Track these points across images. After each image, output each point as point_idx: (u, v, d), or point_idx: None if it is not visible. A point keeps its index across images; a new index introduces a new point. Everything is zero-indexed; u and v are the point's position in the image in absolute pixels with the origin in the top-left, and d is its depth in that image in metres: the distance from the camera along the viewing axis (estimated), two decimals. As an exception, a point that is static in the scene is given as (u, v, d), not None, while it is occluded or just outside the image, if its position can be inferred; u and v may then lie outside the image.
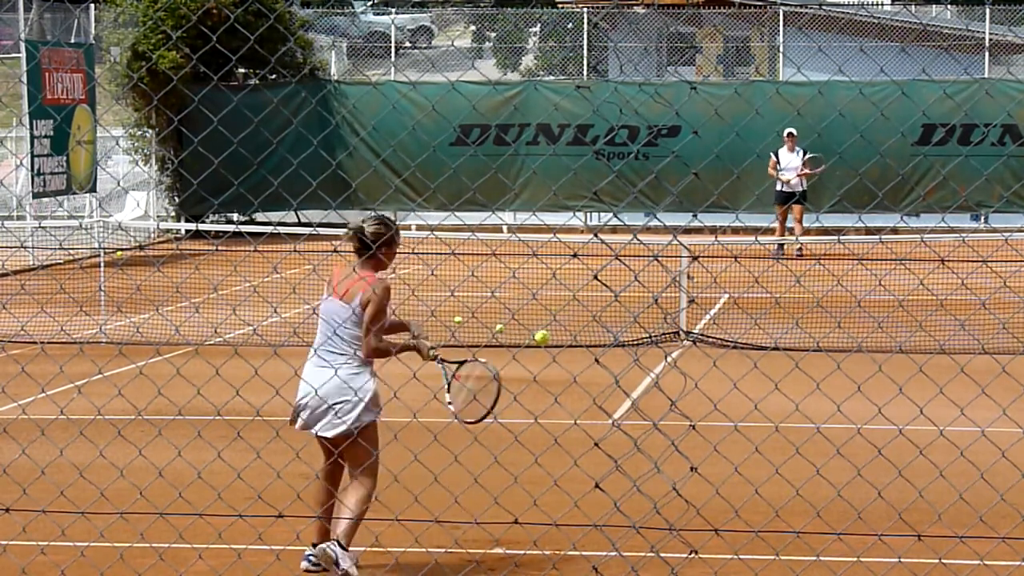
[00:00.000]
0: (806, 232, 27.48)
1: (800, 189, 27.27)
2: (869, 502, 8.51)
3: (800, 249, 25.02)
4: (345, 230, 8.34)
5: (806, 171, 27.12)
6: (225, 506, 8.17)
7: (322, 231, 14.94)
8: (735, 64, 37.51)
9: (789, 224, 27.73)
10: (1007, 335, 14.67)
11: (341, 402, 8.17)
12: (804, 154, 27.20)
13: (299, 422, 8.31)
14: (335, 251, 8.43)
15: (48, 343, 10.73)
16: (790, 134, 27.14)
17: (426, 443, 8.60)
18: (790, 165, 27.25)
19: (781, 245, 25.21)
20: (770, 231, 30.51)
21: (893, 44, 32.60)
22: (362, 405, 8.15)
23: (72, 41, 29.48)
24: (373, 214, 8.47)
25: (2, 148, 25.41)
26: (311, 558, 8.29)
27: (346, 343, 8.22)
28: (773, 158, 27.26)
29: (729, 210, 28.98)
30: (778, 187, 27.41)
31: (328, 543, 8.18)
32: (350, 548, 8.14)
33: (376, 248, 8.21)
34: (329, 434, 8.22)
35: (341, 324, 8.21)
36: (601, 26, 36.84)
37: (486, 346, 13.52)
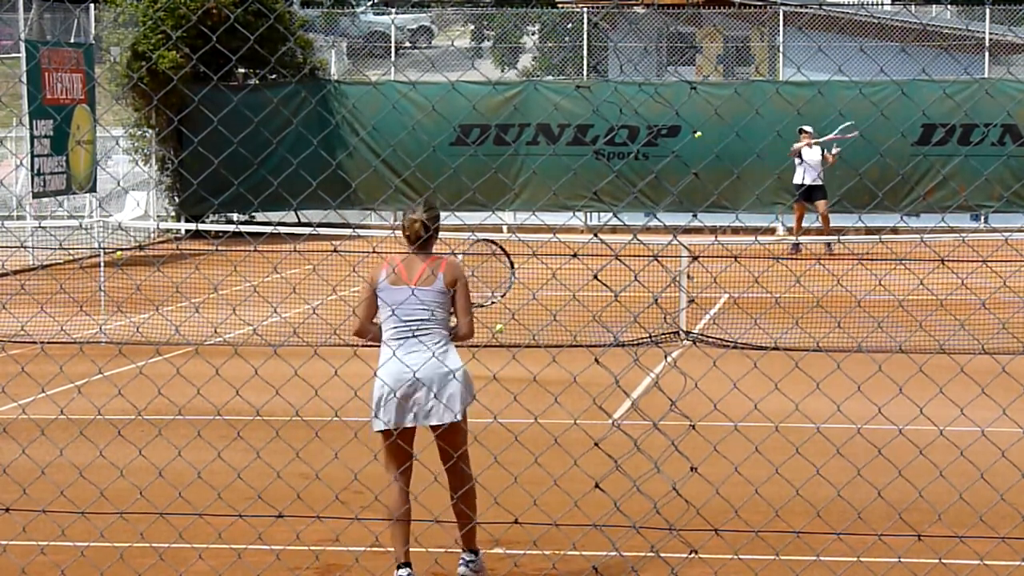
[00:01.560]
0: (806, 232, 27.47)
1: (820, 183, 27.18)
2: (869, 502, 8.51)
3: (831, 246, 24.87)
4: (406, 219, 8.16)
5: (831, 159, 26.98)
6: (225, 506, 8.18)
7: (322, 231, 14.96)
8: (735, 64, 37.51)
9: (805, 224, 27.63)
10: (1007, 335, 14.67)
11: (452, 386, 7.97)
12: (823, 149, 27.11)
13: (402, 418, 7.97)
14: (335, 251, 8.43)
15: (48, 343, 10.73)
16: (803, 131, 27.06)
17: (426, 443, 8.60)
18: (811, 160, 27.14)
19: (797, 245, 25.13)
20: (770, 231, 30.52)
21: (893, 44, 32.59)
22: (467, 387, 8.03)
23: (72, 41, 29.48)
24: (418, 202, 8.36)
25: (2, 148, 25.43)
26: None
27: (440, 326, 8.05)
28: (798, 145, 27.09)
29: (729, 210, 28.98)
30: (798, 180, 27.28)
31: (468, 561, 8.14)
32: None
33: (434, 231, 8.15)
34: (446, 420, 7.96)
35: (428, 308, 8.03)
36: (601, 26, 36.84)
37: (486, 346, 13.53)
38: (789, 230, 28.98)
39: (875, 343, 13.27)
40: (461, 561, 8.18)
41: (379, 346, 8.15)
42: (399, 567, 8.03)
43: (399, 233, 8.33)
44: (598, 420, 11.08)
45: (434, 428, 8.04)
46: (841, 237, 22.22)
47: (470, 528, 8.11)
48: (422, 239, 8.12)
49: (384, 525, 8.36)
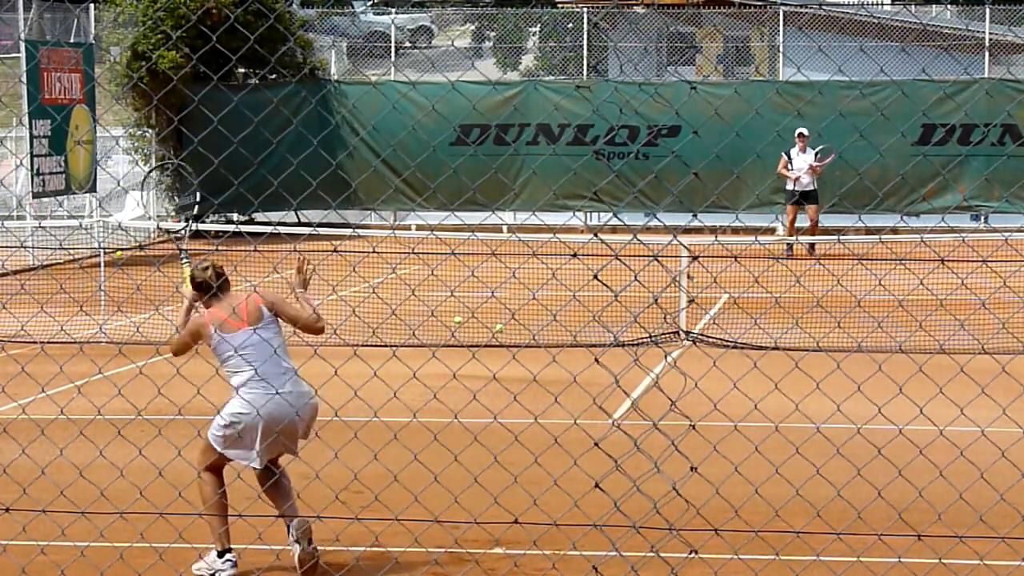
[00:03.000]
0: (806, 232, 27.47)
1: (812, 188, 27.19)
2: (869, 502, 8.51)
3: (812, 247, 24.93)
4: (200, 269, 8.66)
5: (817, 167, 27.03)
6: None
7: (322, 231, 14.95)
8: (735, 64, 37.50)
9: (798, 224, 27.65)
10: (1007, 335, 14.67)
11: (313, 412, 8.48)
12: (816, 154, 27.14)
13: (263, 450, 8.32)
14: (335, 251, 8.43)
15: (48, 343, 10.73)
16: (801, 134, 27.07)
17: (426, 443, 8.60)
18: (802, 165, 27.15)
19: (791, 245, 25.14)
20: (770, 231, 30.52)
21: (893, 44, 32.60)
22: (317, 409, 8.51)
23: (72, 41, 29.48)
24: (198, 263, 8.80)
25: (2, 148, 25.41)
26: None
27: (285, 354, 8.46)
28: (784, 158, 27.18)
29: (729, 210, 28.98)
30: (789, 187, 27.31)
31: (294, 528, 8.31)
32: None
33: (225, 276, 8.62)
34: (296, 452, 8.49)
35: (272, 341, 8.37)
36: (601, 26, 36.84)
37: (486, 346, 13.53)
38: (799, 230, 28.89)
39: (875, 343, 13.27)
40: (293, 525, 8.31)
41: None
42: (225, 552, 8.32)
43: (399, 233, 8.35)
44: (598, 420, 11.08)
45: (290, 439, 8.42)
46: (841, 237, 22.20)
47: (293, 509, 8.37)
48: (219, 283, 8.57)
49: (384, 525, 8.36)
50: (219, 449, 8.36)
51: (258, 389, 8.27)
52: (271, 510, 8.24)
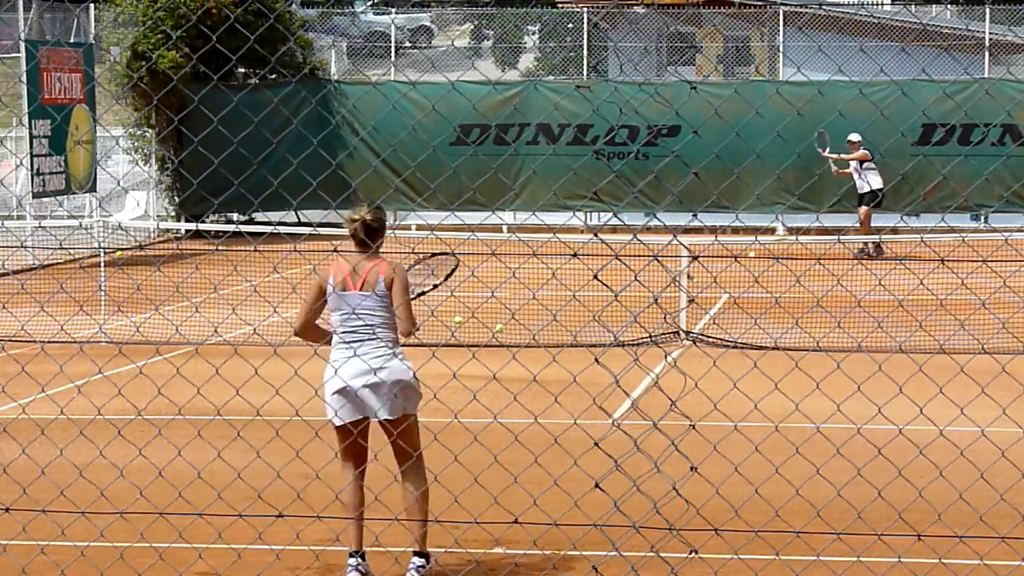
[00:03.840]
0: (806, 232, 27.45)
1: (873, 188, 26.93)
2: (869, 502, 8.51)
3: (864, 250, 24.66)
4: (350, 219, 8.25)
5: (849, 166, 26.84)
6: (225, 506, 8.17)
7: (322, 231, 14.94)
8: (735, 64, 37.51)
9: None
10: (1007, 335, 14.67)
11: (402, 384, 8.17)
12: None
13: (348, 413, 8.17)
14: (335, 251, 8.43)
15: (48, 343, 10.72)
16: (851, 142, 26.80)
17: (426, 443, 8.60)
18: (867, 167, 26.91)
19: (878, 245, 24.97)
20: (769, 231, 30.52)
21: (893, 44, 32.60)
22: (415, 386, 8.23)
23: (72, 41, 29.48)
24: (365, 204, 8.43)
25: (2, 148, 25.39)
26: (360, 569, 8.22)
27: (386, 330, 8.21)
28: (854, 164, 26.89)
29: (729, 210, 28.98)
30: (864, 188, 27.00)
31: (416, 564, 8.17)
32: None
33: (379, 234, 8.26)
34: (393, 415, 8.15)
35: (371, 312, 8.18)
36: (601, 26, 36.84)
37: (486, 346, 13.53)
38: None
39: (875, 343, 13.27)
40: (412, 565, 8.19)
41: (320, 345, 8.39)
42: (353, 555, 8.20)
43: (399, 233, 8.36)
44: (598, 420, 11.08)
45: (385, 427, 8.22)
46: (841, 237, 22.20)
47: (423, 531, 8.21)
48: (365, 241, 8.25)
49: (385, 525, 8.36)
50: (334, 421, 8.22)
51: (344, 351, 8.17)
52: (271, 509, 8.22)
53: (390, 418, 8.18)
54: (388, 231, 8.48)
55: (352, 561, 8.21)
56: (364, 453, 8.32)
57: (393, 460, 8.42)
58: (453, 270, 8.83)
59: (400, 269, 8.31)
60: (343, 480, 8.31)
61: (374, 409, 8.17)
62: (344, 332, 8.22)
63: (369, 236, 8.25)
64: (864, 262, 21.49)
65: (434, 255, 8.86)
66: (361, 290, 8.19)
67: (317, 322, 8.44)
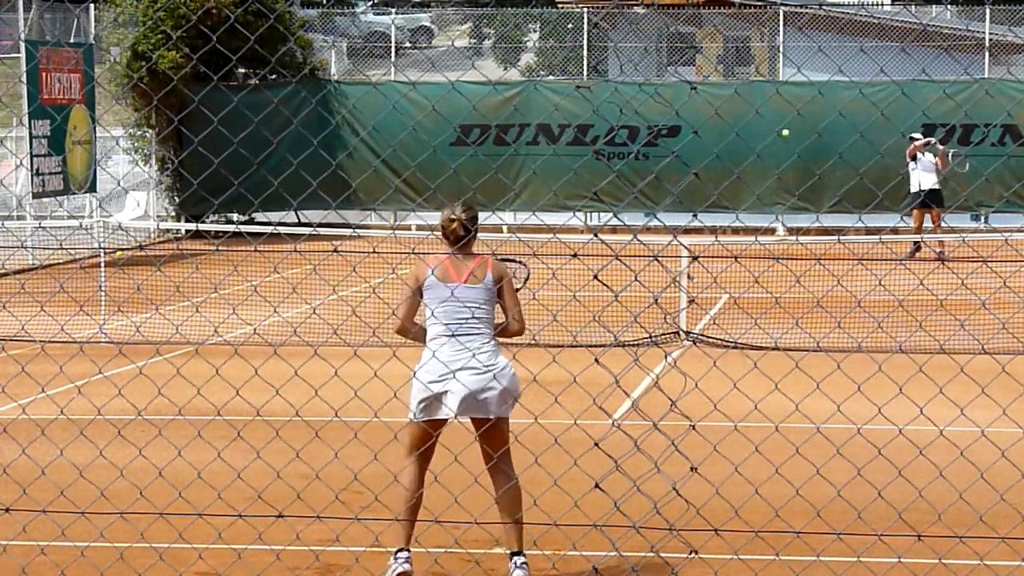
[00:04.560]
0: (806, 232, 27.45)
1: (937, 187, 26.77)
2: (869, 502, 8.51)
3: (942, 252, 24.38)
4: (448, 218, 8.16)
5: (939, 162, 26.65)
6: (225, 506, 8.17)
7: (322, 231, 14.96)
8: (735, 64, 37.52)
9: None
10: (1007, 335, 14.66)
11: (508, 379, 8.02)
12: (934, 153, 26.72)
13: (447, 410, 7.98)
14: (335, 251, 8.42)
15: (48, 343, 10.73)
16: (913, 137, 26.66)
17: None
18: (927, 165, 26.72)
19: (918, 245, 24.85)
20: (770, 231, 30.52)
21: (893, 44, 32.60)
22: (513, 386, 8.08)
23: (72, 41, 29.49)
24: (460, 203, 8.38)
25: (1, 148, 25.38)
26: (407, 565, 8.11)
27: (484, 324, 8.08)
28: (913, 153, 26.69)
29: (729, 210, 28.98)
30: (915, 188, 26.78)
31: (513, 568, 8.06)
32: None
33: (474, 232, 8.18)
34: (504, 412, 8.00)
35: (480, 306, 8.08)
36: (601, 26, 36.84)
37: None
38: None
39: (875, 343, 13.27)
40: (513, 564, 8.10)
41: (422, 345, 8.17)
42: (400, 551, 8.06)
43: (399, 233, 8.35)
44: (598, 420, 11.08)
45: (476, 424, 8.05)
46: (841, 237, 22.20)
47: (518, 529, 8.09)
48: (462, 240, 8.16)
49: (384, 525, 8.36)
50: (410, 417, 8.06)
51: (448, 348, 8.01)
52: (271, 510, 8.22)
53: (503, 416, 8.03)
54: (388, 231, 8.48)
55: (402, 555, 8.04)
56: (432, 451, 8.21)
57: (388, 462, 8.41)
58: (526, 280, 8.72)
59: (506, 268, 8.24)
60: (408, 475, 8.07)
61: (491, 407, 7.98)
62: (450, 323, 8.04)
63: (467, 234, 8.16)
64: (865, 263, 21.49)
65: (507, 259, 8.75)
66: (467, 282, 8.10)
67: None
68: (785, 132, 27.72)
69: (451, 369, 7.96)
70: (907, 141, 26.69)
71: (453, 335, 8.04)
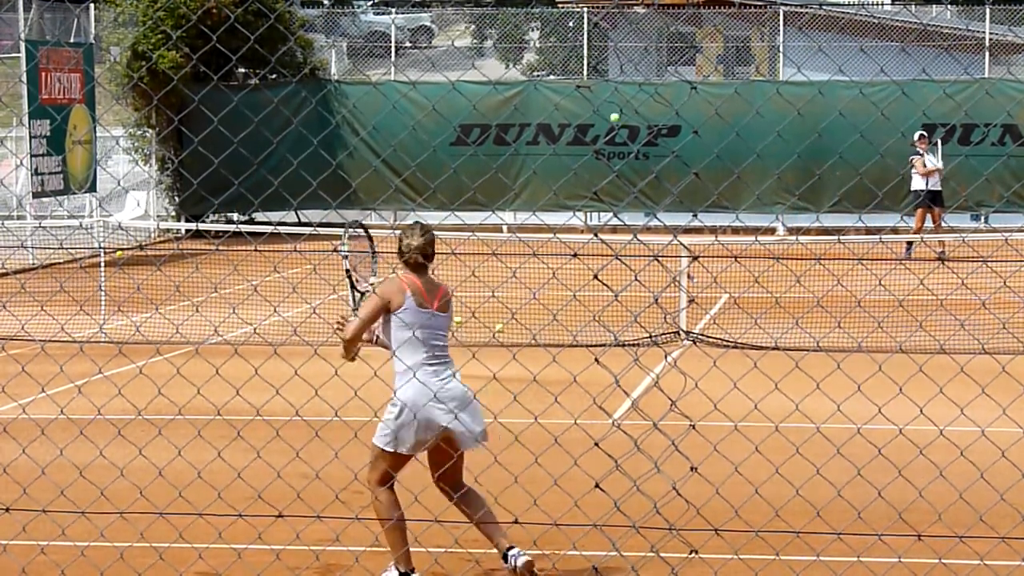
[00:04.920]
0: (806, 232, 27.44)
1: (939, 189, 26.89)
2: (869, 502, 8.51)
3: (943, 252, 24.34)
4: (406, 244, 8.18)
5: (940, 167, 26.72)
6: (225, 506, 8.17)
7: (322, 231, 14.95)
8: (735, 64, 37.51)
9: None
10: (1007, 335, 14.66)
11: (477, 411, 8.21)
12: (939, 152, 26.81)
13: (424, 441, 8.07)
14: (335, 251, 8.43)
15: (48, 343, 10.73)
16: (923, 136, 26.74)
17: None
18: (930, 165, 26.79)
19: (912, 244, 24.86)
20: (770, 231, 30.51)
21: (893, 44, 32.60)
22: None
23: (72, 41, 29.48)
24: (412, 224, 8.39)
25: (2, 148, 25.39)
26: None
27: (448, 350, 8.26)
28: (919, 159, 26.76)
29: (729, 210, 28.98)
30: (918, 186, 26.80)
31: (515, 556, 8.09)
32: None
33: (433, 255, 8.27)
34: (480, 441, 8.15)
35: (446, 333, 8.23)
36: (601, 26, 36.84)
37: (486, 346, 13.53)
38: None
39: (875, 343, 13.27)
40: (513, 555, 8.12)
41: (350, 354, 8.20)
42: (411, 572, 8.09)
43: (399, 233, 8.35)
44: (598, 420, 11.08)
45: (448, 446, 8.11)
46: (841, 237, 22.20)
47: (501, 527, 8.17)
48: (424, 264, 8.23)
49: (384, 526, 8.36)
50: (392, 449, 8.08)
51: (431, 376, 8.07)
52: (271, 509, 8.22)
53: (485, 441, 8.20)
54: (388, 231, 8.50)
55: None
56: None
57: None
58: (362, 297, 8.72)
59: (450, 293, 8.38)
60: (387, 503, 8.12)
61: (475, 434, 8.12)
62: (430, 351, 8.11)
63: (428, 259, 8.24)
64: (866, 263, 21.49)
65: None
66: (439, 309, 8.19)
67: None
68: (614, 116, 27.72)
69: (440, 398, 8.04)
70: (907, 142, 26.67)
71: (435, 363, 8.12)
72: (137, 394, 9.84)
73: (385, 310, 8.14)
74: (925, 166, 26.77)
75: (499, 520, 8.16)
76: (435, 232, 8.38)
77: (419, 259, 8.22)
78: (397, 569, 8.12)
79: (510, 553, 8.08)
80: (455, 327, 15.01)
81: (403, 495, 8.59)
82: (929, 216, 27.01)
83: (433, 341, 8.13)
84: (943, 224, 27.11)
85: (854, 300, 13.02)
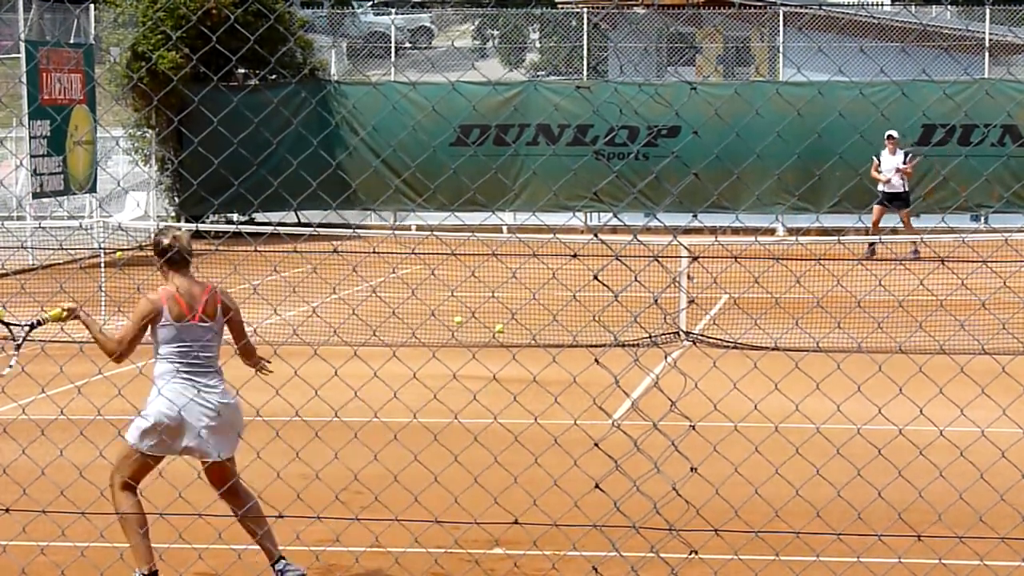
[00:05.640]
0: (806, 232, 27.43)
1: (902, 191, 26.99)
2: (869, 502, 8.51)
3: (916, 251, 24.41)
4: (169, 238, 8.07)
5: (907, 169, 26.81)
6: (225, 506, 8.17)
7: (322, 231, 14.96)
8: (735, 64, 37.50)
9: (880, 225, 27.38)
10: (1007, 335, 14.66)
11: (239, 419, 8.16)
12: (907, 156, 26.92)
13: (173, 447, 8.02)
14: (335, 251, 8.43)
15: (48, 343, 10.72)
16: (890, 136, 26.85)
17: (426, 443, 8.60)
18: (891, 167, 26.92)
19: (872, 245, 24.93)
20: (769, 231, 30.52)
21: (893, 44, 32.59)
22: (242, 418, 8.20)
23: (72, 41, 29.48)
24: (163, 228, 8.34)
25: (2, 148, 25.39)
26: None
27: (215, 358, 8.13)
28: (875, 160, 26.91)
29: (729, 210, 28.98)
30: (880, 188, 27.02)
31: (286, 565, 8.10)
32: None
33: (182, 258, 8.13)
34: (232, 453, 8.12)
35: (212, 343, 8.10)
36: (601, 26, 36.84)
37: (486, 346, 13.53)
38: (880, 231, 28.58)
39: (875, 343, 13.27)
40: (280, 569, 8.12)
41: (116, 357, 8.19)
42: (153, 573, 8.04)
43: (399, 233, 8.34)
44: (598, 420, 11.08)
45: (217, 464, 8.10)
46: (841, 237, 22.20)
47: (271, 537, 8.15)
48: (186, 261, 8.12)
49: (384, 525, 8.36)
50: (145, 451, 8.02)
51: (181, 386, 7.99)
52: (271, 510, 8.23)
53: (231, 455, 8.12)
54: (388, 231, 8.48)
55: None
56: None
57: (388, 463, 8.42)
58: (20, 345, 8.74)
59: (233, 300, 8.26)
60: (127, 501, 8.01)
61: (217, 449, 8.03)
62: (186, 364, 8.02)
63: (188, 256, 8.12)
64: (866, 263, 21.50)
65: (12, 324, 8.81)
66: (202, 321, 8.07)
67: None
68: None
69: (184, 410, 7.96)
70: (908, 143, 26.70)
71: (188, 375, 8.03)
72: (137, 394, 9.83)
73: (146, 325, 8.09)
74: (879, 170, 26.87)
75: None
76: (434, 232, 8.36)
77: (177, 259, 8.07)
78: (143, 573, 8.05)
79: (279, 563, 8.12)
80: (454, 327, 15.05)
81: (402, 495, 8.59)
82: (899, 218, 27.11)
83: (192, 354, 8.03)
84: (912, 224, 27.20)
85: (854, 300, 13.03)
